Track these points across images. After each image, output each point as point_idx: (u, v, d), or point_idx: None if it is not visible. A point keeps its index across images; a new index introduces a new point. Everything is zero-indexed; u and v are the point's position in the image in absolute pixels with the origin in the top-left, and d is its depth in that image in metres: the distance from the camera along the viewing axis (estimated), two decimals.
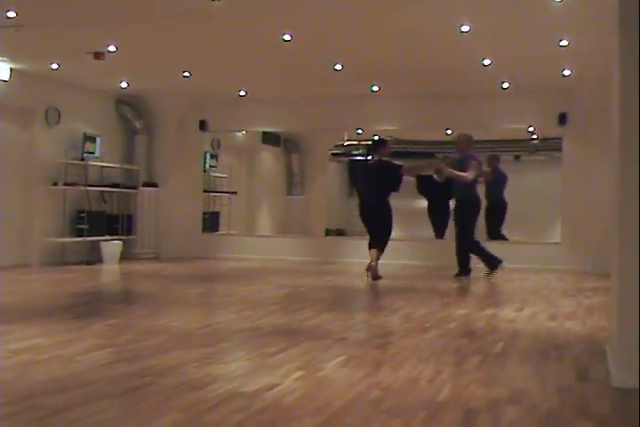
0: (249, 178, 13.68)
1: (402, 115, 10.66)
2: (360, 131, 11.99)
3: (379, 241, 8.10)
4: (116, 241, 10.22)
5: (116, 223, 10.53)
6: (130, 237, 10.75)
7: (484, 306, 6.22)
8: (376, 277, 8.02)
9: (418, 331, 4.91)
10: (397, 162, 8.18)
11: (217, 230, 12.09)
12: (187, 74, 9.16)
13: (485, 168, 10.25)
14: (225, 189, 12.59)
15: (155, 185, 11.08)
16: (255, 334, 4.76)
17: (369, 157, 8.26)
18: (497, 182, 10.83)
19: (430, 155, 13.42)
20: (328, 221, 11.81)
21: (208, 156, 11.98)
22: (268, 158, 13.94)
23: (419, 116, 10.58)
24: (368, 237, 8.20)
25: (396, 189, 8.02)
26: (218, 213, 12.29)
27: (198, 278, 8.61)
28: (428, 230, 11.56)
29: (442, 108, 10.38)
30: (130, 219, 10.82)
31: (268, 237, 12.07)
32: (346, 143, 14.12)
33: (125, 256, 10.38)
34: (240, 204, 13.02)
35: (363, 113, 10.74)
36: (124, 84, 9.98)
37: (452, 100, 10.29)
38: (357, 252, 9.77)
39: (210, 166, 12.05)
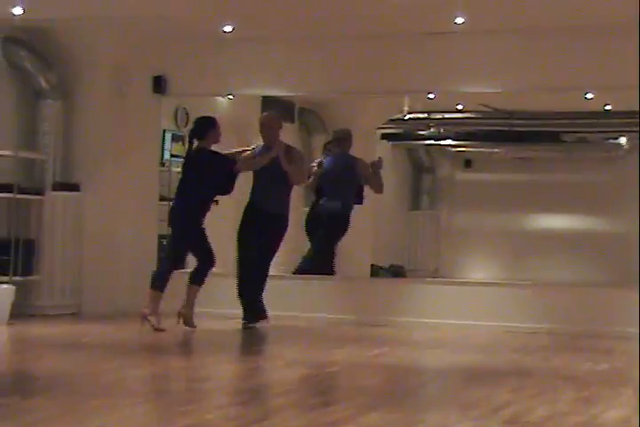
0: (240, 175, 13.65)
1: (507, 68, 10.65)
2: (431, 95, 11.93)
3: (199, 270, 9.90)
4: (4, 285, 10.25)
5: (6, 255, 10.54)
6: (29, 277, 10.75)
7: None
8: (190, 324, 9.60)
9: None
10: (226, 153, 10.02)
11: (183, 266, 12.05)
12: None
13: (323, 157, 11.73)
14: None
15: (74, 188, 11.10)
16: None
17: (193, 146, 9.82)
18: (337, 180, 11.36)
19: (555, 136, 13.39)
20: (376, 252, 11.73)
21: (168, 138, 12.01)
22: None
23: (537, 71, 10.55)
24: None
25: (223, 192, 9.87)
26: None
27: (149, 350, 8.61)
28: (545, 271, 11.56)
29: (578, 56, 10.32)
30: (29, 247, 10.83)
31: (272, 276, 11.97)
32: (407, 116, 14.22)
33: (22, 311, 10.41)
34: (225, 220, 12.94)
35: (437, 65, 10.78)
36: (17, 11, 9.98)
37: (597, 40, 10.19)
38: (428, 304, 9.75)
39: (172, 156, 12.08)
